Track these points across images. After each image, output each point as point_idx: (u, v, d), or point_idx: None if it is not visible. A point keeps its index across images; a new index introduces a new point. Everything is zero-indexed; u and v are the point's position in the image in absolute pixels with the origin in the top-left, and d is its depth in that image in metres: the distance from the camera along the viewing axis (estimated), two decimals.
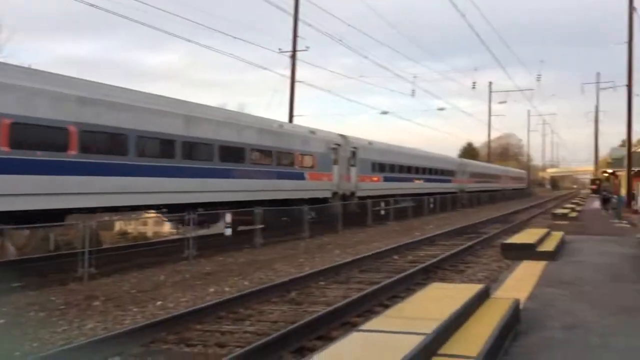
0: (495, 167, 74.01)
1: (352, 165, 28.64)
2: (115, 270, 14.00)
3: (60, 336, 8.14)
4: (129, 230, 28.41)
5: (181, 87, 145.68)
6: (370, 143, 31.95)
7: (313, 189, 24.75)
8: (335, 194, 26.62)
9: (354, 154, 28.81)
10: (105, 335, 7.71)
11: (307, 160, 24.64)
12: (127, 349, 7.31)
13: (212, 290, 11.48)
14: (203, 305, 9.42)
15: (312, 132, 25.82)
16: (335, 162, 26.93)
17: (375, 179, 31.50)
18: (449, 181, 46.34)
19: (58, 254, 15.08)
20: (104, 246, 19.00)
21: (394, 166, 34.40)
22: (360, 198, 28.90)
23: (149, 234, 29.85)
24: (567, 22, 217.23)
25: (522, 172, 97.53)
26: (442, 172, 44.77)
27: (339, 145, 27.35)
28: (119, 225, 29.83)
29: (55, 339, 8.00)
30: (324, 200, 25.51)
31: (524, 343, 6.33)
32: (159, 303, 10.28)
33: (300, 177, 24.07)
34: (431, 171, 41.70)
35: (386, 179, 32.86)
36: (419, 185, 38.67)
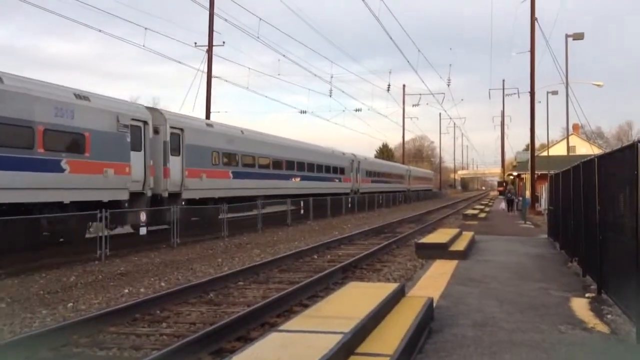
0: (396, 166, 69.73)
1: (175, 155, 21.07)
2: (22, 270, 13.31)
3: None
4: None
5: (91, 79, 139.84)
6: (210, 125, 25.10)
7: (78, 187, 16.32)
8: (139, 194, 18.88)
9: (178, 138, 21.34)
10: (12, 338, 7.32)
11: (68, 141, 16.24)
12: (36, 352, 6.99)
13: (126, 291, 11.15)
14: (117, 307, 9.13)
15: (80, 96, 16.80)
16: (139, 147, 18.93)
17: (218, 174, 24.23)
18: (336, 180, 41.37)
19: None
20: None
21: (252, 158, 27.51)
22: (191, 201, 21.90)
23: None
24: (474, 29, 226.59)
25: (428, 173, 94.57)
26: (328, 169, 39.28)
27: (144, 123, 19.24)
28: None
29: None
30: (118, 203, 17.70)
31: (437, 340, 6.60)
32: (70, 305, 9.88)
33: (48, 166, 15.38)
34: (311, 167, 35.85)
35: (238, 175, 25.90)
36: (293, 185, 32.45)
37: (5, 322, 8.61)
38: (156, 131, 19.93)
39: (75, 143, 16.45)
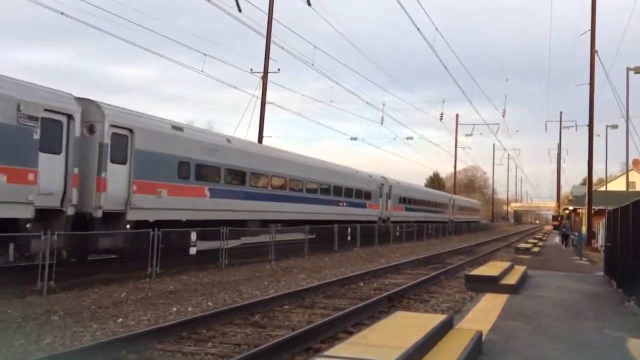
0: (436, 193, 62.67)
1: (118, 163, 16.14)
2: (75, 284, 13.71)
3: (16, 350, 7.91)
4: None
5: (151, 102, 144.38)
6: (178, 128, 19.09)
7: None
8: (53, 212, 14.22)
9: (125, 141, 16.45)
10: (63, 351, 7.52)
11: None
12: None
13: (174, 309, 11.31)
14: (165, 324, 9.27)
15: None
16: (56, 148, 14.30)
17: (187, 191, 18.89)
18: (359, 206, 35.21)
19: (17, 266, 14.61)
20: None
21: (241, 174, 22.30)
22: (141, 223, 16.72)
23: None
24: (531, 60, 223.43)
25: (475, 203, 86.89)
26: (349, 192, 33.37)
27: (69, 117, 14.50)
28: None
29: (11, 353, 7.77)
30: (15, 223, 13.16)
31: None
32: (119, 320, 10.09)
33: None
34: (325, 190, 30.28)
35: (218, 194, 20.52)
36: (294, 208, 26.43)
37: (57, 335, 8.84)
38: (91, 130, 15.39)
39: None
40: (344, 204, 32.65)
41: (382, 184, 39.23)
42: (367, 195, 36.56)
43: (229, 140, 22.06)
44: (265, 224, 23.32)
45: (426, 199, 52.86)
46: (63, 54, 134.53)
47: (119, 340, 8.03)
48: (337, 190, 31.76)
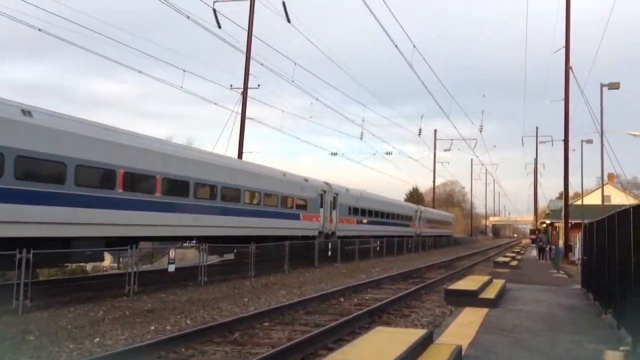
0: (398, 204, 54.10)
1: None
2: (51, 304, 13.47)
3: None
4: (67, 263, 26.88)
5: (130, 118, 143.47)
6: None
7: None
8: None
9: None
10: None
11: None
12: None
13: (152, 328, 11.17)
14: (143, 343, 9.15)
15: None
16: None
17: None
18: (292, 217, 28.40)
19: None
20: (40, 278, 18.29)
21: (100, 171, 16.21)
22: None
23: (88, 267, 28.86)
24: (508, 76, 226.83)
25: (446, 215, 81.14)
26: (275, 200, 26.41)
27: None
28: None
29: None
30: None
31: None
32: (96, 340, 9.92)
33: None
34: (234, 196, 22.91)
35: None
36: (205, 221, 20.71)
37: (33, 355, 8.68)
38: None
39: None
40: (272, 216, 25.83)
41: (325, 191, 32.14)
42: (301, 205, 29.20)
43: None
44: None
45: (386, 210, 46.02)
46: (41, 69, 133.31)
47: None
48: (252, 196, 24.33)
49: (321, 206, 31.55)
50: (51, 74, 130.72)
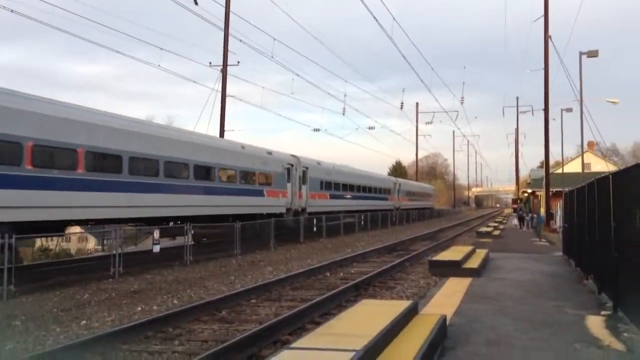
0: (374, 177, 50.72)
1: None
2: (36, 288, 13.40)
3: None
4: (51, 247, 26.74)
5: (109, 98, 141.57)
6: None
7: None
8: None
9: None
10: (25, 356, 7.36)
11: None
12: None
13: (139, 309, 11.18)
14: (130, 324, 9.15)
15: None
16: None
17: None
18: (255, 194, 25.77)
19: None
20: (25, 263, 18.16)
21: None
22: None
23: (72, 250, 28.71)
24: (488, 47, 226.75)
25: (427, 187, 79.34)
26: (223, 175, 23.43)
27: None
28: (39, 242, 28.62)
29: None
30: None
31: (450, 358, 6.53)
32: (83, 322, 9.92)
33: None
34: (182, 169, 20.39)
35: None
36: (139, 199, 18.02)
37: (19, 340, 8.65)
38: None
39: None
40: (219, 193, 22.75)
41: (292, 165, 29.91)
42: (265, 180, 26.72)
43: None
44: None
45: (362, 183, 43.92)
46: (17, 52, 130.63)
47: (83, 343, 7.89)
48: (204, 172, 21.87)
49: (288, 181, 29.05)
50: (26, 56, 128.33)
